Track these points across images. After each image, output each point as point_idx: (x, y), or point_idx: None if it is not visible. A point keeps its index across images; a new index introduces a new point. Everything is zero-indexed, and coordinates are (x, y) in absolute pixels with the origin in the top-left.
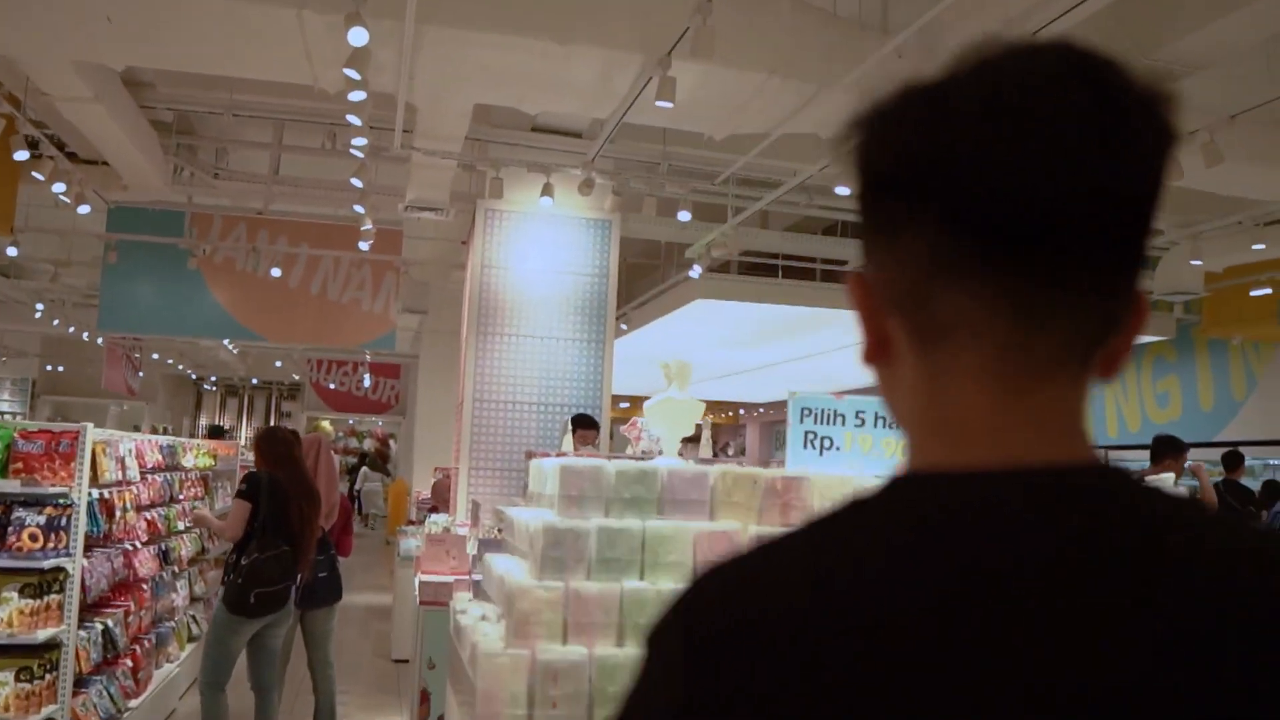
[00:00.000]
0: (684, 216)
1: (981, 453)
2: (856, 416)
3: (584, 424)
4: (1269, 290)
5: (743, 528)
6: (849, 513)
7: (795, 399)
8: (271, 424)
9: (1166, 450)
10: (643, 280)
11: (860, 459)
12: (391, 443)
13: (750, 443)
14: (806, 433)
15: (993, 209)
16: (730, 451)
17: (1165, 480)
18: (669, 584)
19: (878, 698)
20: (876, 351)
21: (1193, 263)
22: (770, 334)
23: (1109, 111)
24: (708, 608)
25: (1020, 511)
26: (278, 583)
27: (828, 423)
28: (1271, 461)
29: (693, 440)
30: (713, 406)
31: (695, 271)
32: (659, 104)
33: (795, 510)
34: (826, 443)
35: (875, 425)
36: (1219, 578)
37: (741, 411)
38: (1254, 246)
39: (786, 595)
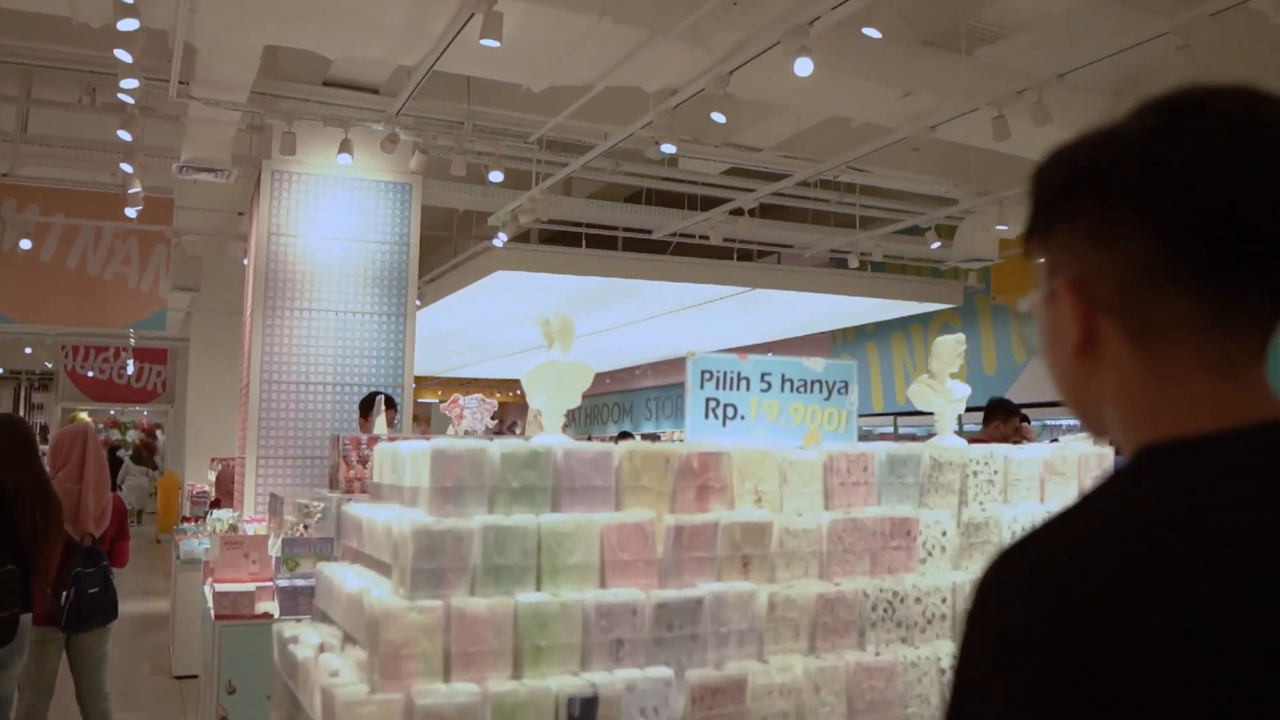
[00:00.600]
0: (496, 177)
1: (1208, 423)
2: (762, 380)
3: (386, 404)
4: None
5: (656, 517)
6: (1131, 482)
7: (695, 360)
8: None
9: (997, 412)
10: (433, 254)
11: (767, 428)
12: (159, 433)
13: None
14: (708, 400)
15: (1228, 228)
16: (517, 430)
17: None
18: (572, 594)
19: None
20: (1085, 348)
21: (998, 228)
22: (569, 307)
23: None
24: (1071, 584)
25: (1266, 454)
26: (1, 610)
27: (730, 387)
28: (1049, 422)
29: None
30: (496, 385)
31: (500, 239)
32: (484, 43)
33: (714, 493)
34: (730, 411)
35: (782, 389)
36: None
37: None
38: None
39: (1136, 564)
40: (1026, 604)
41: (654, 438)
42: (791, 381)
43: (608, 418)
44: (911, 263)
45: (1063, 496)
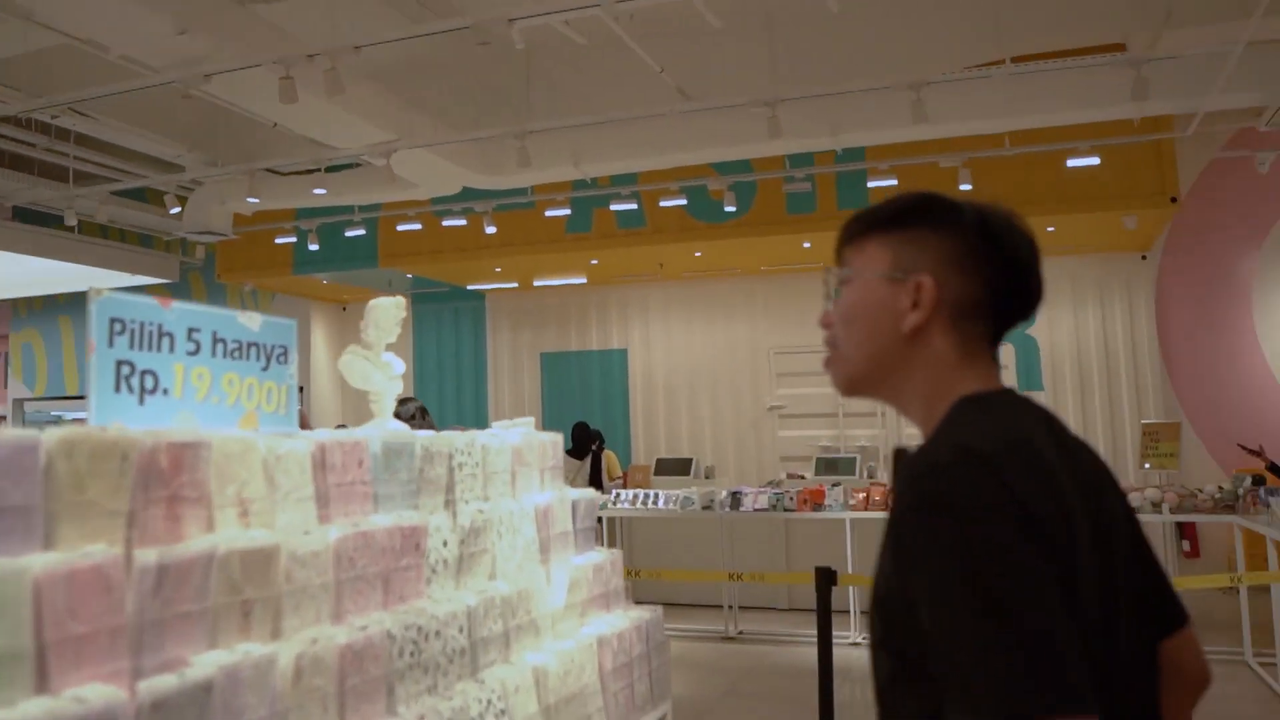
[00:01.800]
0: None
1: (992, 384)
2: (190, 338)
3: None
4: (294, 239)
5: (121, 553)
6: (978, 412)
7: (102, 302)
8: None
9: None
10: None
11: (196, 408)
12: None
13: None
14: (120, 364)
15: (1028, 290)
16: None
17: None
18: None
19: (1070, 486)
20: (917, 331)
21: (249, 200)
22: None
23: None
24: (997, 460)
25: (1020, 400)
26: None
27: (150, 347)
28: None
29: None
30: None
31: None
32: None
33: (189, 507)
34: (149, 381)
35: (214, 353)
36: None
37: None
38: (315, 191)
39: (1030, 448)
40: (1012, 493)
41: None
42: (225, 343)
43: None
44: (115, 230)
45: (530, 488)
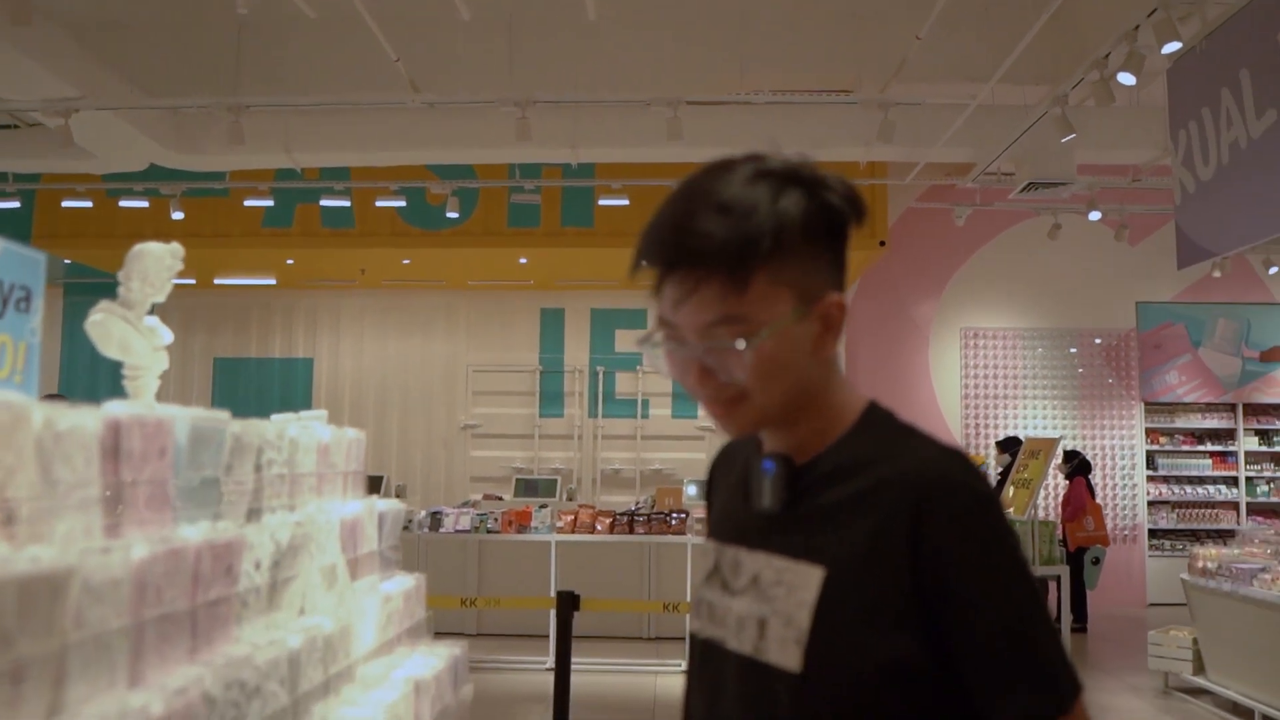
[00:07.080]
0: None
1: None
2: None
3: None
4: None
5: None
6: (891, 413)
7: None
8: None
9: None
10: None
11: None
12: None
13: None
14: None
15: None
16: None
17: None
18: None
19: None
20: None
21: None
22: None
23: None
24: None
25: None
26: None
27: None
28: None
29: None
30: None
31: None
32: None
33: None
34: None
35: None
36: None
37: None
38: None
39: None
40: (990, 493)
41: None
42: None
43: None
44: None
45: (334, 497)
